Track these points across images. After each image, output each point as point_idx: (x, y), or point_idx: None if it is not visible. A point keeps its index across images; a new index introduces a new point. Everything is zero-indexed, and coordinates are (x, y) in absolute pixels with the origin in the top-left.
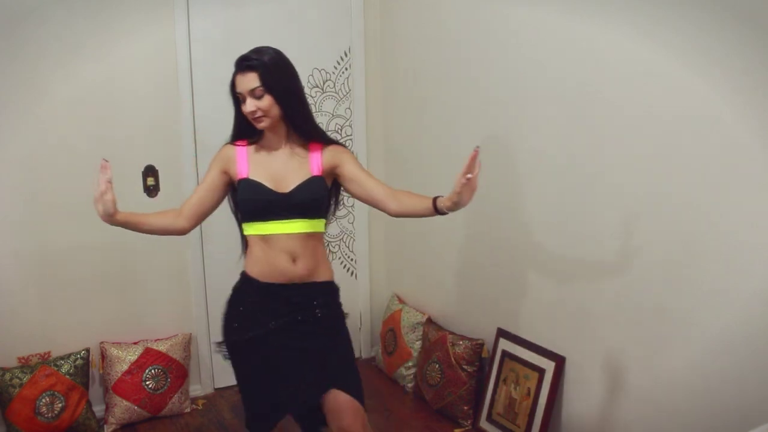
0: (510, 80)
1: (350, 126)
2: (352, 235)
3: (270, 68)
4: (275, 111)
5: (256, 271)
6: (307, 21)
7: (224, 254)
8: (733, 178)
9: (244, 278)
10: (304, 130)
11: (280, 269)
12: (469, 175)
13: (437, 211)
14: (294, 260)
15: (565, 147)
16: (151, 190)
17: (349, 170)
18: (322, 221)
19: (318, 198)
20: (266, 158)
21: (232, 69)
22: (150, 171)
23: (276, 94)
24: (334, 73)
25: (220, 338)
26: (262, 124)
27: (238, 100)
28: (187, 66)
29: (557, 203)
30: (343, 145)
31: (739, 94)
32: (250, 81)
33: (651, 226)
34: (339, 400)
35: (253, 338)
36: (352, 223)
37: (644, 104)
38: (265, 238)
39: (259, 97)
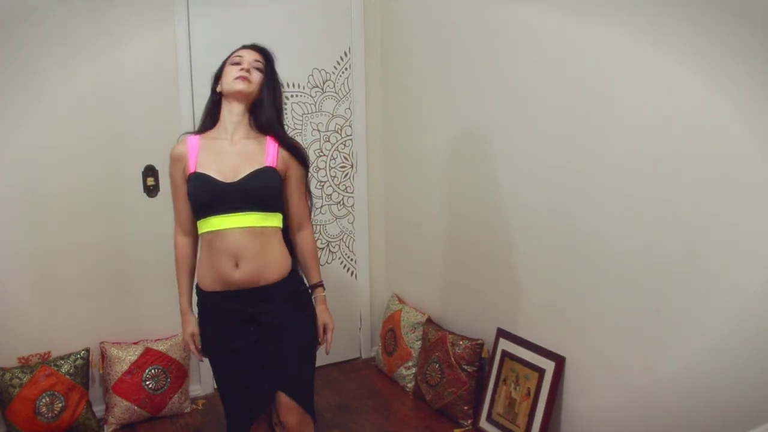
0: (509, 80)
1: (350, 126)
2: (352, 235)
3: (272, 61)
4: (258, 89)
5: (201, 279)
6: (307, 21)
7: None
8: (733, 178)
9: (197, 291)
10: (264, 123)
11: (221, 275)
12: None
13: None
14: (237, 264)
15: (565, 147)
16: (151, 190)
17: (288, 182)
18: (278, 216)
19: (271, 187)
20: (218, 149)
21: None
22: (150, 171)
23: (267, 78)
24: (334, 73)
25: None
26: (242, 85)
27: (215, 89)
28: (187, 66)
29: (557, 203)
30: (301, 152)
31: (739, 94)
32: (257, 57)
33: (651, 225)
34: (283, 402)
35: (219, 349)
36: (352, 223)
37: (644, 104)
38: (211, 237)
39: (257, 68)
